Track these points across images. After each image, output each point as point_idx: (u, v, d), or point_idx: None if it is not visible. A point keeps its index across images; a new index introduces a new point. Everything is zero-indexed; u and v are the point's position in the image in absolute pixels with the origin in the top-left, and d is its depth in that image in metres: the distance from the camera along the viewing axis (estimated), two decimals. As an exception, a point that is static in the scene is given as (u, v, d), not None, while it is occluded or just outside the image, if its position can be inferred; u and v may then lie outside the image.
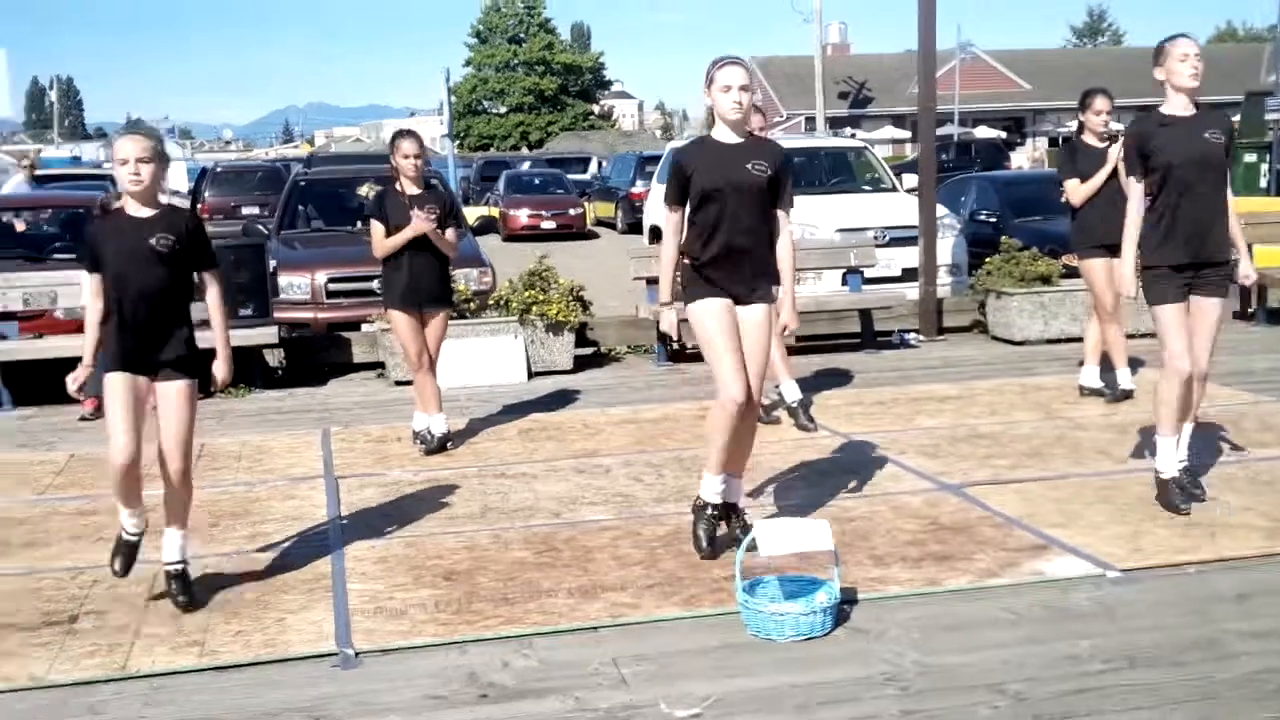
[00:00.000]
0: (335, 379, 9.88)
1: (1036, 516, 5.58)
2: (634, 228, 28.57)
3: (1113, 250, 7.48)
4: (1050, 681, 3.96)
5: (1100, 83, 8.78)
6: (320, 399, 9.16)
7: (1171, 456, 5.60)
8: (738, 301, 5.11)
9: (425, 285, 7.02)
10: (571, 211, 28.63)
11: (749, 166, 5.01)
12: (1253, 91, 25.57)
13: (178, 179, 34.74)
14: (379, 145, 75.25)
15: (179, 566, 4.85)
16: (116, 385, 4.68)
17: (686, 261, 5.16)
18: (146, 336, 4.68)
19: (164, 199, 4.85)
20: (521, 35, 74.98)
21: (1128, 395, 7.80)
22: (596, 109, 79.20)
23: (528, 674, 4.15)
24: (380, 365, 9.85)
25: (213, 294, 4.89)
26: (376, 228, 7.06)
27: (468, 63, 75.59)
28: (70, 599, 4.97)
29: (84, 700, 4.05)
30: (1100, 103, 7.86)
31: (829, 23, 49.81)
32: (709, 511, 5.24)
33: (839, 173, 13.68)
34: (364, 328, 10.27)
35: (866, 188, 13.29)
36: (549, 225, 27.55)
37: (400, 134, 7.16)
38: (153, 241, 4.64)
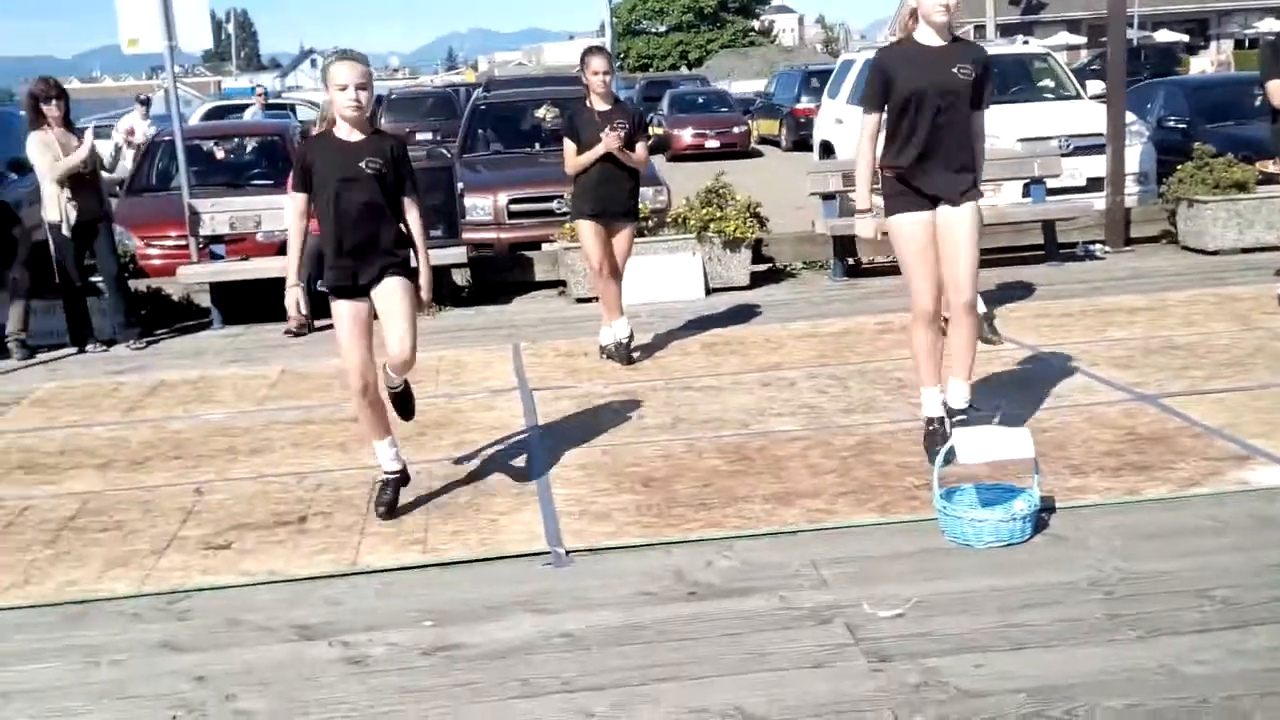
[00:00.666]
0: (518, 297, 10.16)
1: (1238, 426, 5.48)
2: (798, 145, 28.27)
3: None
4: (1259, 588, 3.94)
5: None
6: (507, 316, 9.45)
7: None
8: (943, 203, 5.09)
9: (613, 199, 7.16)
10: (735, 130, 28.47)
11: (955, 70, 4.96)
12: None
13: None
14: (540, 68, 75.73)
15: (392, 475, 5.07)
16: (343, 311, 4.86)
17: (888, 173, 5.15)
18: (363, 257, 4.84)
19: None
20: (680, -48, 74.10)
21: None
22: (756, 25, 78.00)
23: (731, 574, 4.31)
24: (561, 284, 10.09)
25: (413, 217, 5.01)
26: (568, 145, 7.20)
27: (628, -18, 75.16)
28: (297, 501, 5.33)
29: (321, 593, 4.37)
30: None
31: (1000, -75, 47.81)
32: (931, 426, 5.28)
33: (1020, 81, 13.30)
34: (544, 247, 10.52)
35: (1049, 95, 12.91)
36: (713, 144, 27.47)
37: (590, 51, 7.28)
38: (363, 164, 4.77)
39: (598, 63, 7.10)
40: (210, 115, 24.07)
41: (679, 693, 3.52)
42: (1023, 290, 8.95)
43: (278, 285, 9.32)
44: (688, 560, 4.44)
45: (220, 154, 12.76)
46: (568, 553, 4.57)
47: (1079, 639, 3.70)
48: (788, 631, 3.86)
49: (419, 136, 23.98)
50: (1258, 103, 13.88)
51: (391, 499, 5.04)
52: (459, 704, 3.54)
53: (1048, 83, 13.31)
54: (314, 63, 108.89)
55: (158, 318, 9.71)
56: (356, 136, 4.85)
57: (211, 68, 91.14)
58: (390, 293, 4.90)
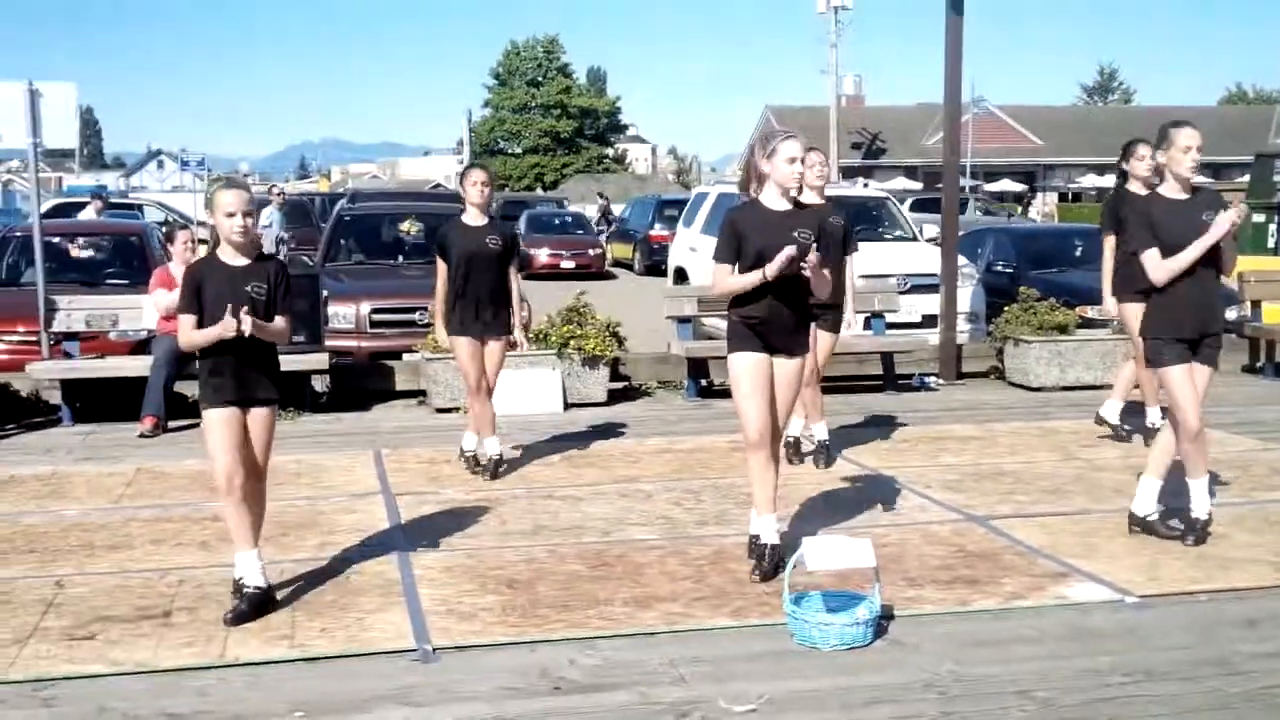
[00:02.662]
0: (378, 405, 10.27)
1: (1058, 547, 5.96)
2: (651, 269, 29.07)
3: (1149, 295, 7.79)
4: (1075, 691, 4.33)
5: (1109, 140, 9.26)
6: (367, 423, 9.56)
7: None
8: (777, 353, 5.53)
9: (486, 314, 7.39)
10: (591, 252, 29.14)
11: (795, 234, 5.42)
12: (1262, 153, 25.92)
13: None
14: (395, 182, 76.07)
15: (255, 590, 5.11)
16: (218, 422, 5.04)
17: (735, 317, 5.59)
18: (243, 373, 5.06)
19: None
20: (540, 79, 75.97)
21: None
22: (611, 152, 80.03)
23: (594, 671, 4.52)
24: (422, 393, 10.25)
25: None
26: (440, 265, 7.43)
27: (486, 104, 76.62)
28: (160, 596, 5.35)
29: (190, 684, 4.42)
30: (1143, 150, 8.18)
31: (844, 74, 50.48)
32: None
33: (862, 221, 14.06)
34: (405, 357, 10.70)
35: (888, 236, 13.73)
36: (568, 265, 28.02)
37: (472, 165, 7.67)
38: (249, 289, 5.03)
39: (478, 174, 7.45)
40: (51, 214, 23.53)
41: (546, 779, 3.70)
42: (865, 417, 9.46)
43: (130, 384, 9.35)
44: (552, 658, 4.64)
45: (74, 251, 12.63)
46: (435, 649, 4.72)
47: (916, 734, 4.01)
48: (648, 724, 4.08)
49: (273, 243, 24.00)
50: (1078, 252, 15.04)
51: (245, 611, 5.00)
52: (332, 790, 3.66)
53: (888, 224, 14.15)
54: (160, 164, 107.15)
55: (3, 414, 9.52)
56: (241, 261, 5.08)
57: (53, 164, 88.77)
58: (258, 425, 5.16)
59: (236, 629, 4.92)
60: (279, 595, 5.26)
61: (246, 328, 4.91)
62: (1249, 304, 11.24)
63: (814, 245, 5.40)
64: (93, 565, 5.82)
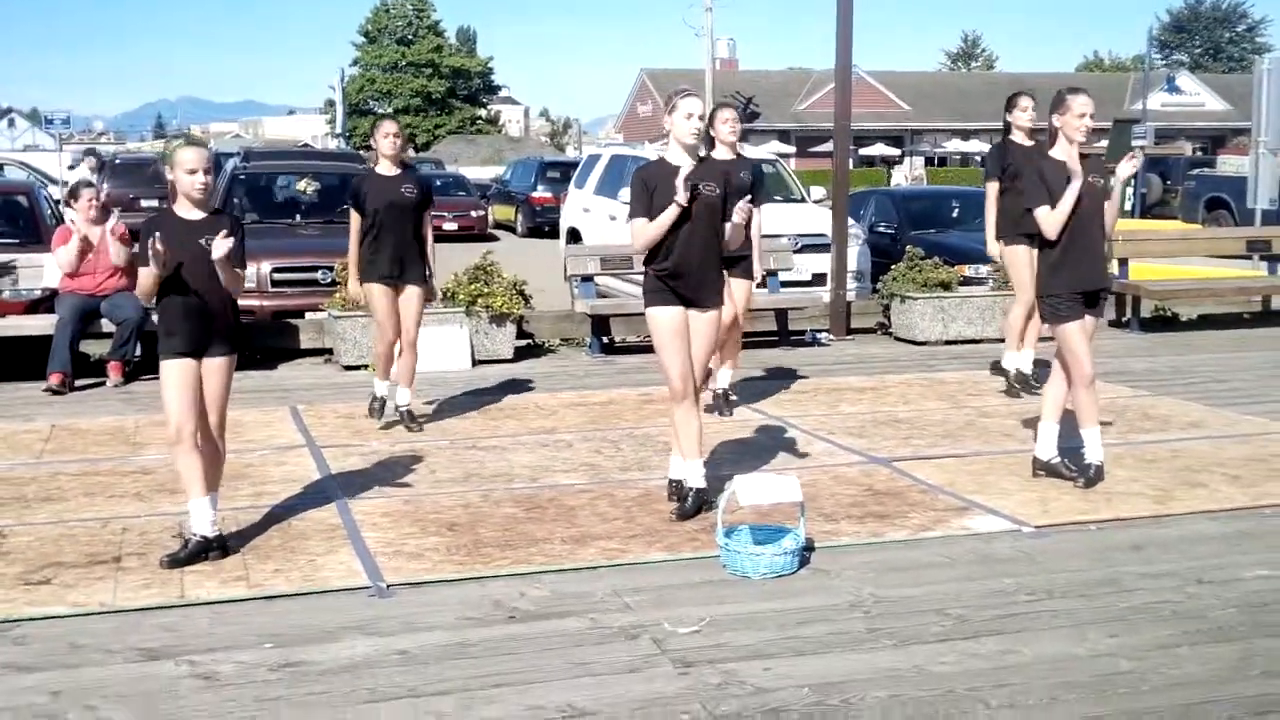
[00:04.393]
0: (283, 364, 10.33)
1: (956, 484, 6.42)
2: (534, 231, 29.22)
3: (1033, 239, 8.24)
4: (985, 608, 4.76)
5: (973, 105, 9.77)
6: (274, 381, 9.63)
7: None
8: (692, 305, 5.84)
9: (401, 263, 7.51)
10: (473, 214, 29.13)
11: (700, 187, 5.73)
12: (1119, 119, 27.14)
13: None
14: (260, 141, 74.32)
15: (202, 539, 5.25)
16: (174, 371, 5.18)
17: (650, 271, 5.87)
18: (202, 325, 5.19)
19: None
20: (410, 37, 74.96)
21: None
22: (484, 114, 79.46)
23: (544, 602, 4.81)
24: (328, 351, 10.34)
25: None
26: (354, 216, 7.56)
27: (355, 62, 75.28)
28: (107, 544, 5.47)
29: (155, 621, 4.59)
30: (1025, 101, 8.65)
31: (718, 38, 50.92)
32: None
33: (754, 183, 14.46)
34: (309, 315, 10.76)
35: (778, 198, 14.14)
36: (450, 226, 27.91)
37: (383, 116, 7.79)
38: (203, 241, 5.15)
39: (389, 125, 7.59)
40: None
41: (516, 695, 3.99)
42: (764, 370, 9.87)
43: (24, 344, 9.30)
44: (502, 591, 4.91)
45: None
46: (389, 586, 4.95)
47: (847, 647, 4.40)
48: (602, 645, 4.39)
49: (144, 204, 23.46)
50: (954, 213, 15.70)
51: (180, 558, 5.14)
52: (314, 710, 3.88)
53: (778, 186, 14.56)
54: (11, 122, 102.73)
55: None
56: (197, 215, 5.23)
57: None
58: (216, 372, 5.28)
59: (190, 572, 5.07)
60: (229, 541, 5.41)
61: (162, 257, 5.00)
62: (1116, 262, 11.93)
63: (722, 194, 5.72)
64: (31, 516, 5.88)
